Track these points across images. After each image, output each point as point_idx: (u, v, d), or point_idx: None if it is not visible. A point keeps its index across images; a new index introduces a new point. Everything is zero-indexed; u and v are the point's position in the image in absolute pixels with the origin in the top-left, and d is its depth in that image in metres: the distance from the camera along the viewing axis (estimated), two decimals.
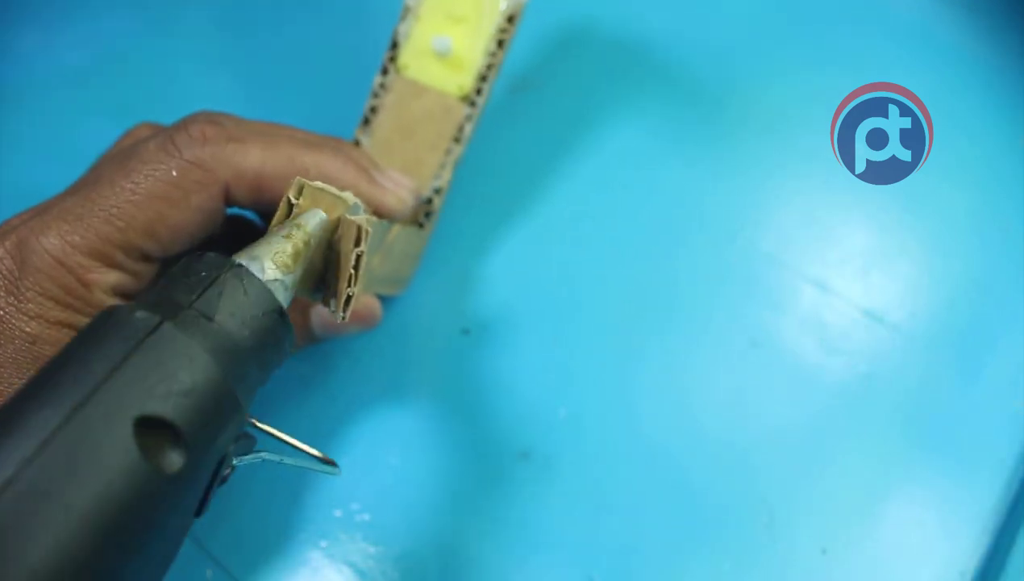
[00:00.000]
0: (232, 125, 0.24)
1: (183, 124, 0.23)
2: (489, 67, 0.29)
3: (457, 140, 0.30)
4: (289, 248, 0.21)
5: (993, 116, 0.36)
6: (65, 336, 0.21)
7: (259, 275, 0.20)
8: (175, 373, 0.17)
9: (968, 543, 0.30)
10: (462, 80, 0.29)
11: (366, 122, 0.30)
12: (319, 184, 0.22)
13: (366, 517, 0.30)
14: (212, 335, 0.18)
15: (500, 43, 0.29)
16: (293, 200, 0.22)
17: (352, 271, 0.21)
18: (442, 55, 0.29)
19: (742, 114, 0.37)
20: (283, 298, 0.20)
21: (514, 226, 0.35)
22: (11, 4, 0.39)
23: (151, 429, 0.16)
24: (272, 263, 0.20)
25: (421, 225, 0.31)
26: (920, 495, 0.30)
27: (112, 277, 0.22)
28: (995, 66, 0.37)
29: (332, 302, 0.22)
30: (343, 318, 0.22)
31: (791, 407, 0.32)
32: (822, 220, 0.35)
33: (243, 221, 0.30)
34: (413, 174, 0.29)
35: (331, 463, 0.21)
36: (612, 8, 0.39)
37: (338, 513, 0.30)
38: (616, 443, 0.31)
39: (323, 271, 0.23)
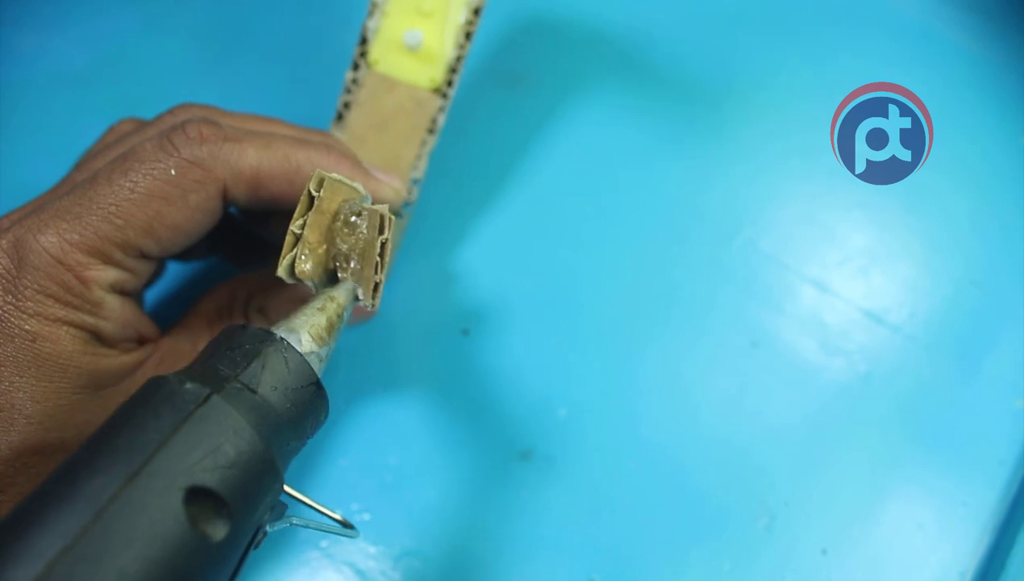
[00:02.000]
0: (226, 123, 0.24)
1: (179, 123, 0.23)
2: (458, 59, 0.30)
3: (431, 131, 0.30)
4: (323, 321, 0.21)
5: (993, 116, 0.36)
6: (65, 333, 0.21)
7: (297, 347, 0.20)
8: (222, 445, 0.18)
9: (968, 543, 0.30)
10: (433, 73, 0.30)
11: (340, 118, 0.30)
12: (336, 176, 0.22)
13: (366, 517, 0.30)
14: (255, 407, 0.19)
15: (468, 35, 0.30)
16: (314, 192, 0.22)
17: (379, 259, 0.22)
18: (413, 49, 0.29)
19: (742, 113, 0.37)
20: (319, 369, 0.21)
21: (515, 226, 0.35)
22: (11, 4, 0.39)
23: (198, 498, 0.17)
24: (308, 336, 0.21)
25: (399, 215, 0.31)
26: (920, 495, 0.30)
27: (111, 274, 0.22)
28: (995, 66, 0.37)
29: (360, 291, 0.23)
30: (372, 306, 0.22)
31: (791, 407, 0.32)
32: (822, 220, 0.35)
33: (234, 221, 0.30)
34: (390, 168, 0.30)
35: (350, 526, 0.22)
36: (610, 4, 0.39)
37: (338, 513, 0.30)
38: (616, 443, 0.31)
39: (332, 265, 0.23)
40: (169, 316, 0.27)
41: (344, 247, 0.22)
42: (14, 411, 0.21)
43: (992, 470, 0.31)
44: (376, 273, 0.22)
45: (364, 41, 0.30)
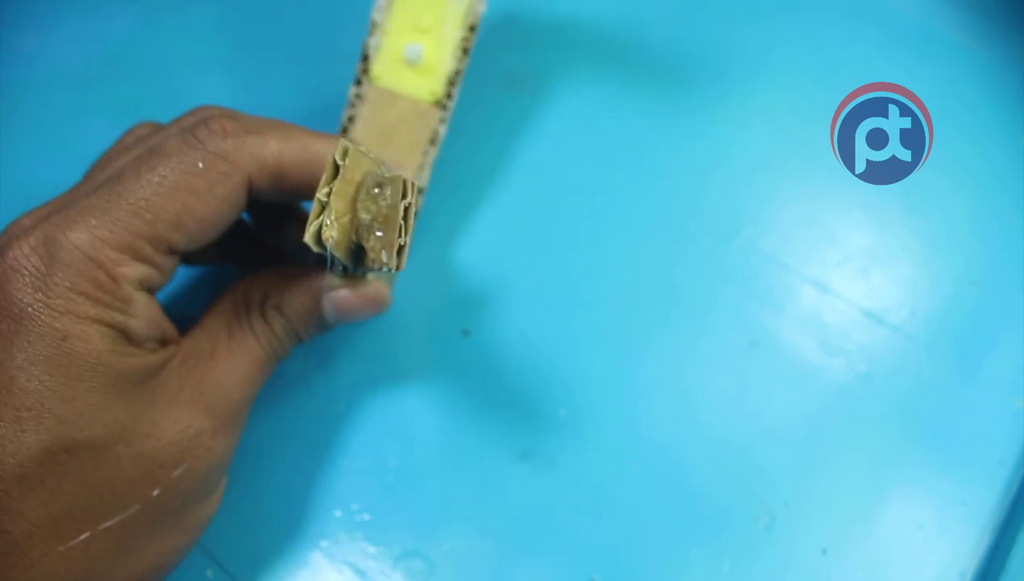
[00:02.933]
0: (246, 119, 0.25)
1: (201, 119, 0.24)
2: (457, 72, 0.31)
3: (433, 142, 0.31)
4: None
5: (993, 116, 0.36)
6: (95, 332, 0.21)
7: None
8: None
9: (968, 543, 0.30)
10: (433, 86, 0.31)
11: (344, 131, 0.31)
12: (361, 148, 0.23)
13: (366, 517, 0.30)
14: None
15: (465, 50, 0.31)
16: (339, 161, 0.22)
17: (402, 222, 0.22)
18: (413, 63, 0.31)
19: (742, 113, 0.37)
20: None
21: (515, 227, 0.35)
22: (10, 4, 0.39)
23: None
24: None
25: None
26: (920, 495, 0.31)
27: (140, 270, 0.22)
28: (995, 66, 0.37)
29: (384, 254, 0.23)
30: (398, 267, 0.23)
31: (791, 407, 0.32)
32: (822, 220, 0.35)
33: (246, 229, 0.31)
34: None
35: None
36: (608, 2, 0.39)
37: (338, 513, 0.30)
38: (616, 443, 0.31)
39: (355, 237, 0.24)
40: (180, 321, 0.27)
41: (367, 217, 0.23)
42: (43, 410, 0.21)
43: (992, 470, 0.31)
44: (400, 236, 0.22)
45: (366, 58, 0.31)
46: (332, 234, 0.22)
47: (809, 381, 0.32)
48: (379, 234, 0.23)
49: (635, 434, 0.31)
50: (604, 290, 0.34)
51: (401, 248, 0.23)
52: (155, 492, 0.22)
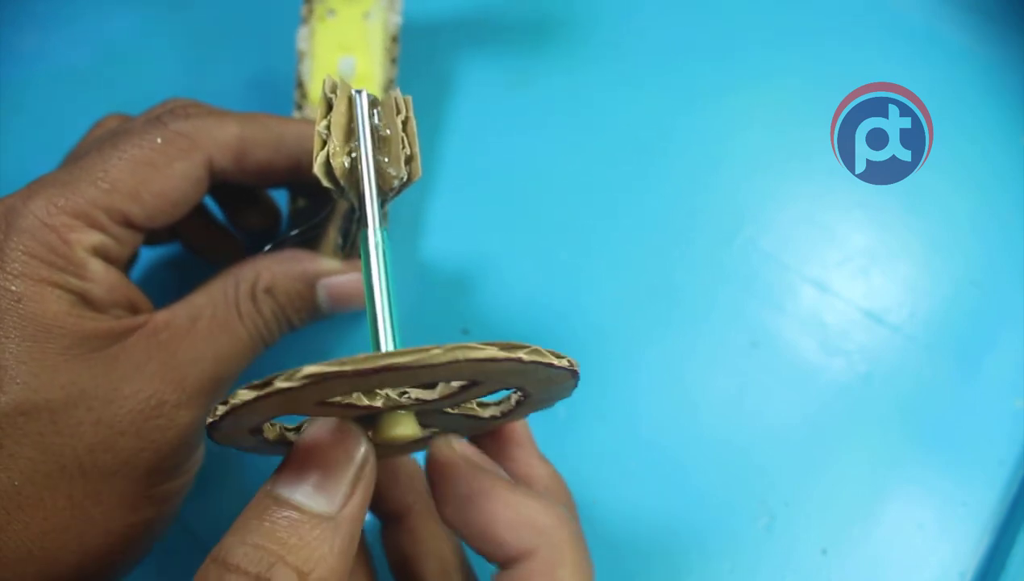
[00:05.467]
0: (211, 106, 0.26)
1: (168, 108, 0.25)
2: (390, 80, 0.33)
3: None
4: None
5: (993, 116, 0.36)
6: (50, 294, 0.22)
7: None
8: None
9: (968, 543, 0.30)
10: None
11: None
12: (347, 82, 0.23)
13: (366, 517, 0.30)
14: None
15: (393, 60, 0.33)
16: (329, 94, 0.22)
17: (403, 135, 0.22)
18: (348, 77, 0.32)
19: (742, 113, 0.37)
20: None
21: (514, 227, 0.35)
22: (11, 4, 0.39)
23: None
24: None
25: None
26: (920, 495, 0.31)
27: (94, 238, 0.23)
28: (995, 66, 0.37)
29: (392, 169, 0.22)
30: (411, 176, 0.22)
31: (791, 407, 0.32)
32: (822, 220, 0.35)
33: (200, 209, 0.31)
34: None
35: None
36: (608, 4, 0.39)
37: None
38: (616, 443, 0.31)
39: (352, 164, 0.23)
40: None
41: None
42: (1, 372, 0.21)
43: (992, 470, 0.31)
44: (404, 148, 0.22)
45: (301, 85, 0.33)
46: (342, 163, 0.22)
47: (809, 381, 0.32)
48: (384, 157, 0.22)
49: (635, 434, 0.31)
50: (604, 290, 0.34)
51: (409, 157, 0.22)
52: (115, 460, 0.22)
